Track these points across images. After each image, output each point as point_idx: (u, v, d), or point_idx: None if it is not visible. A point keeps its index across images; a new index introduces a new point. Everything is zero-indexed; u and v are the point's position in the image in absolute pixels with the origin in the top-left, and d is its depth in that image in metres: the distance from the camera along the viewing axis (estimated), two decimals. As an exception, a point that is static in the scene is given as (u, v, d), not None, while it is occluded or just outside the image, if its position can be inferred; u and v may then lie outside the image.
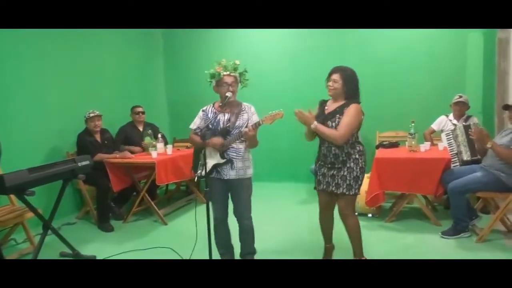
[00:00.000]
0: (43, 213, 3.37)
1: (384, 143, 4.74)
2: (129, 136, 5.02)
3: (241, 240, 3.08)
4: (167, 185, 5.64)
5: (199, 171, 2.84)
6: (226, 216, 3.01)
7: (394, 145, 4.68)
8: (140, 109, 5.14)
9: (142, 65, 6.26)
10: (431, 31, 5.27)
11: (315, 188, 2.99)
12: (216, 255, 2.92)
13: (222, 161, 2.83)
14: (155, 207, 4.47)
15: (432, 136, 4.70)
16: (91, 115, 4.48)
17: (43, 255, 3.26)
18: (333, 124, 2.71)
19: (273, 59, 6.15)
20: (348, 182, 2.75)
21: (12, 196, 3.59)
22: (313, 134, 2.84)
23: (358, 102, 2.77)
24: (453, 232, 3.61)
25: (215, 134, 2.83)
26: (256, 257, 3.14)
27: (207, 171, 2.79)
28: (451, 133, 4.16)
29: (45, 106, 4.47)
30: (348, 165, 2.75)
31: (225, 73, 2.83)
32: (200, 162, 2.83)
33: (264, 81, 5.85)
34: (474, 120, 4.32)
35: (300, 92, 5.67)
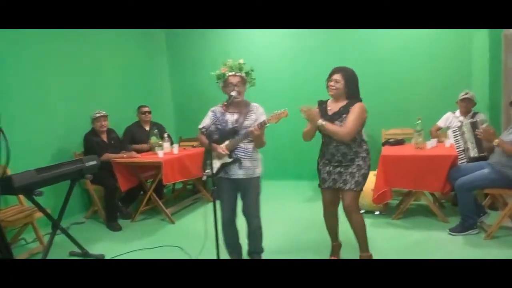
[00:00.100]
0: (52, 213, 3.41)
1: (390, 140, 4.73)
2: (136, 136, 5.05)
3: (249, 238, 3.09)
4: (173, 184, 5.66)
5: (207, 171, 2.85)
6: (234, 217, 3.00)
7: (400, 142, 4.67)
8: (146, 109, 5.17)
9: (146, 65, 6.28)
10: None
11: (319, 186, 3.00)
12: (223, 254, 2.92)
13: (229, 160, 2.83)
14: (162, 206, 4.49)
15: (439, 133, 4.68)
16: (97, 115, 4.51)
17: (53, 254, 3.29)
18: (341, 123, 2.74)
19: (275, 58, 6.15)
20: (356, 178, 2.78)
21: (21, 197, 3.62)
22: (313, 132, 2.86)
23: (361, 101, 2.81)
24: (461, 229, 3.60)
25: (223, 134, 2.84)
26: (264, 256, 3.15)
27: (215, 170, 2.82)
28: (457, 130, 4.14)
29: (51, 107, 4.50)
30: (357, 163, 2.79)
31: (230, 73, 2.83)
32: (207, 161, 2.84)
33: (266, 80, 5.85)
34: (481, 116, 4.29)
35: (302, 92, 5.65)
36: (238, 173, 2.85)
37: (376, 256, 3.09)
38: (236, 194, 2.97)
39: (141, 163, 4.48)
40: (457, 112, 4.49)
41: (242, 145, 2.83)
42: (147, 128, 5.14)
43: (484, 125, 3.72)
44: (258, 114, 2.86)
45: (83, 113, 4.65)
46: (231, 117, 2.87)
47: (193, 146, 5.25)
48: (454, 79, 5.25)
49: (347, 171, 2.80)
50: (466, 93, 4.36)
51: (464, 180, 3.54)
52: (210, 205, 2.62)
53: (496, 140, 3.38)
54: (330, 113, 2.84)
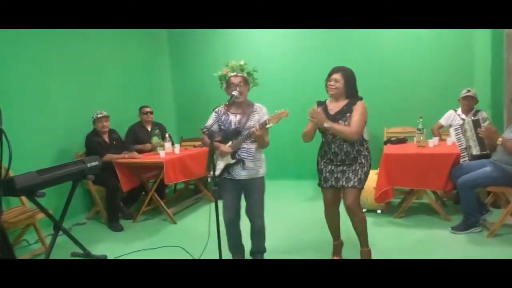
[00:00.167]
0: (54, 214, 3.41)
1: (392, 139, 4.73)
2: (138, 136, 5.06)
3: (252, 238, 3.09)
4: (175, 184, 5.66)
5: (211, 172, 2.85)
6: (237, 217, 2.99)
7: (402, 141, 4.66)
8: (148, 109, 5.17)
9: (147, 65, 6.28)
10: (437, 25, 5.23)
11: (319, 184, 3.00)
12: (226, 254, 2.91)
13: (233, 161, 2.83)
14: (164, 206, 4.49)
15: (441, 131, 4.67)
16: (99, 116, 4.52)
17: (55, 255, 3.29)
18: (346, 123, 2.77)
19: (276, 58, 6.14)
20: (359, 176, 2.81)
21: (23, 198, 3.62)
22: (314, 133, 2.89)
23: (362, 99, 2.84)
24: (464, 227, 3.59)
25: (226, 135, 2.85)
26: (266, 255, 3.15)
27: (219, 171, 2.84)
28: (459, 128, 4.12)
29: (52, 108, 4.50)
30: (359, 161, 2.83)
31: (232, 74, 2.83)
32: (211, 162, 2.84)
33: (267, 80, 5.83)
34: (483, 114, 4.28)
35: (302, 92, 5.69)
36: (241, 173, 2.85)
37: (378, 255, 3.10)
38: (240, 194, 2.97)
39: (143, 164, 4.48)
40: (459, 110, 4.48)
41: (245, 145, 2.83)
42: (149, 128, 5.14)
43: (486, 123, 3.71)
44: (261, 114, 2.86)
45: (85, 114, 4.65)
46: (234, 118, 2.88)
47: (194, 146, 5.25)
48: (456, 77, 5.24)
49: (350, 169, 2.82)
50: (468, 91, 4.35)
51: (466, 178, 3.53)
52: (213, 205, 2.62)
53: (500, 139, 3.37)
54: (331, 112, 2.85)
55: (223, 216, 2.91)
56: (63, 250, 3.57)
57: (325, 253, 3.22)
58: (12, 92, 3.98)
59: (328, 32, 5.66)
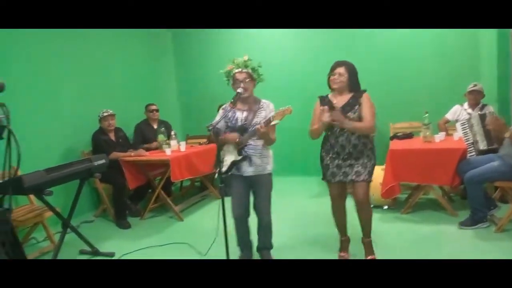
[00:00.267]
0: (62, 212, 3.44)
1: (398, 134, 4.71)
2: (144, 134, 5.09)
3: (259, 234, 3.11)
4: (181, 182, 5.68)
5: (218, 169, 2.85)
6: (246, 214, 3.00)
7: (408, 136, 4.64)
8: (154, 107, 5.19)
9: (152, 65, 6.31)
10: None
11: (323, 179, 3.01)
12: (233, 251, 2.91)
13: (239, 158, 2.84)
14: (171, 203, 4.51)
15: (447, 126, 4.64)
16: (105, 114, 4.54)
17: (63, 253, 3.33)
18: (355, 115, 2.81)
19: (280, 57, 6.12)
20: (369, 168, 2.86)
21: (31, 196, 3.66)
22: (323, 130, 2.90)
23: (366, 91, 2.89)
24: (471, 222, 3.57)
25: (233, 131, 2.86)
26: (273, 251, 3.16)
27: (227, 168, 2.85)
28: (466, 123, 4.10)
29: (58, 108, 4.52)
30: (366, 154, 2.86)
31: (236, 70, 2.84)
32: (219, 158, 2.85)
33: (270, 78, 5.84)
34: (490, 108, 4.24)
35: (307, 88, 5.62)
36: (248, 170, 2.86)
37: (385, 250, 3.11)
38: (248, 191, 2.98)
39: (149, 161, 4.49)
40: (466, 105, 4.45)
41: (251, 142, 2.84)
42: (155, 126, 5.16)
43: (489, 116, 3.67)
44: (268, 111, 2.86)
45: (90, 113, 4.68)
46: (240, 115, 2.88)
47: (200, 144, 5.26)
48: (462, 71, 5.20)
49: (359, 163, 2.84)
50: (475, 85, 4.31)
51: (473, 173, 3.51)
52: (221, 202, 2.62)
53: (508, 133, 3.34)
54: (338, 105, 2.85)
55: (232, 212, 2.93)
56: (72, 248, 3.60)
57: (332, 249, 3.21)
58: (19, 93, 4.00)
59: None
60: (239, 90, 2.77)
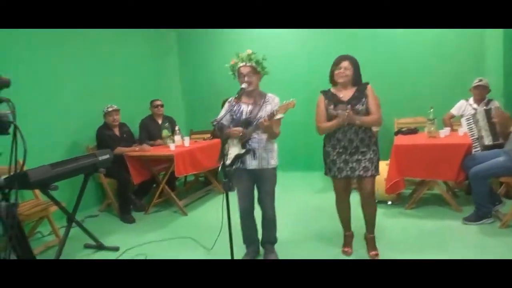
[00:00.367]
0: (67, 207, 3.46)
1: (403, 129, 4.69)
2: (149, 129, 5.10)
3: (263, 228, 3.12)
4: (185, 177, 5.70)
5: (222, 162, 2.86)
6: (252, 207, 3.01)
7: (413, 131, 4.62)
8: (159, 102, 5.20)
9: (156, 64, 6.36)
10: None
11: (326, 174, 3.02)
12: (237, 245, 2.91)
13: (243, 151, 2.84)
14: (175, 198, 4.53)
15: (452, 121, 4.61)
16: (109, 109, 4.56)
17: (68, 247, 3.35)
18: (363, 107, 2.85)
19: (284, 56, 6.07)
20: (375, 163, 2.88)
21: (37, 191, 3.68)
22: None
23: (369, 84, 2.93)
24: (475, 218, 3.56)
25: (237, 124, 2.86)
26: (277, 246, 3.16)
27: (230, 161, 2.85)
28: (471, 118, 4.07)
29: (63, 104, 4.54)
30: (373, 148, 2.89)
31: (240, 64, 2.83)
32: (224, 152, 2.85)
33: (274, 73, 5.83)
34: (495, 103, 4.21)
35: (311, 82, 5.58)
36: (252, 163, 2.87)
37: (389, 246, 3.11)
38: (253, 184, 2.98)
39: (153, 156, 4.51)
40: (471, 100, 4.41)
41: (256, 135, 2.84)
42: (160, 122, 5.18)
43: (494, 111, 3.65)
44: (273, 105, 2.85)
45: (95, 111, 4.69)
46: (246, 108, 2.88)
47: (204, 139, 5.27)
48: (467, 66, 5.16)
49: (366, 158, 2.86)
50: (480, 80, 4.28)
51: (478, 169, 3.49)
52: (225, 196, 2.63)
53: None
54: (344, 99, 2.88)
55: (238, 206, 2.94)
56: (77, 242, 3.63)
57: (336, 245, 3.22)
58: (25, 90, 4.01)
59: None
60: (243, 86, 2.76)
